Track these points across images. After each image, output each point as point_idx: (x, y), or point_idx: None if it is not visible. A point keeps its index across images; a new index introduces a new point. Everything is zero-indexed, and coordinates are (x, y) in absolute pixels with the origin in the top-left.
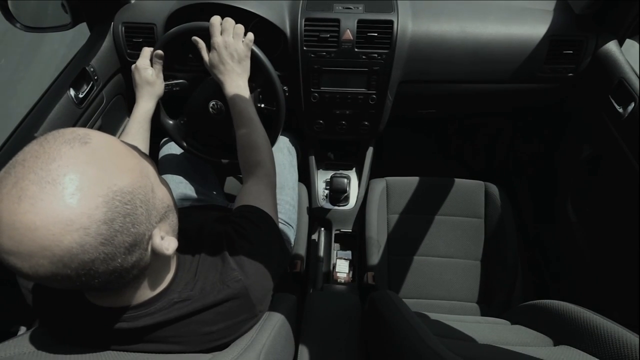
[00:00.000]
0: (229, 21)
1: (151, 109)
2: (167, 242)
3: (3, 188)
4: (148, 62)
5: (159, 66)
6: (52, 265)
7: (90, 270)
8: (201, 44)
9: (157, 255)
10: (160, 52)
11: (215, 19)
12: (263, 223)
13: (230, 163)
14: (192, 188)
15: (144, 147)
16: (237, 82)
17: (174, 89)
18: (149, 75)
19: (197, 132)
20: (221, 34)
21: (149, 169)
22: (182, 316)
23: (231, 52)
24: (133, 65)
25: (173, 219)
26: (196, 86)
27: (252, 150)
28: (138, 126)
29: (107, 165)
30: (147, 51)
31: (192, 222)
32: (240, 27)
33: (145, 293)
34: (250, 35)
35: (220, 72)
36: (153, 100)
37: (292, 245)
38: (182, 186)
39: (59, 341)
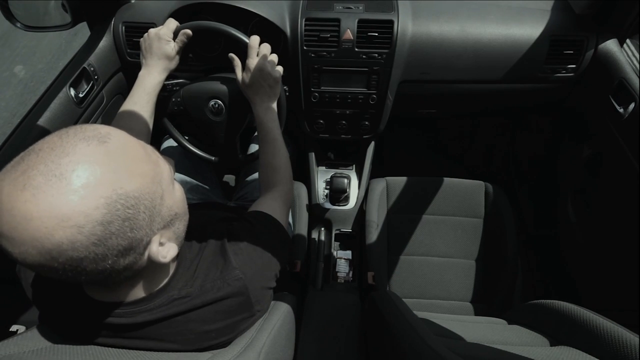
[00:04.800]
0: (267, 47)
1: (162, 82)
2: (165, 250)
3: (13, 173)
4: (171, 34)
5: (181, 44)
6: (40, 257)
7: (78, 267)
8: (237, 61)
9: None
10: (189, 32)
11: (254, 41)
12: (271, 227)
13: (221, 162)
14: (192, 186)
15: (151, 121)
16: (267, 104)
17: (174, 88)
18: (170, 48)
19: (185, 121)
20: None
21: (163, 176)
22: (181, 313)
23: (264, 75)
24: (153, 31)
25: (179, 226)
26: None
27: (273, 170)
28: (148, 98)
29: (119, 167)
30: (173, 23)
31: (194, 221)
32: (275, 57)
33: (143, 290)
34: (280, 68)
35: (252, 92)
36: (166, 74)
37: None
38: (182, 185)
39: (58, 335)
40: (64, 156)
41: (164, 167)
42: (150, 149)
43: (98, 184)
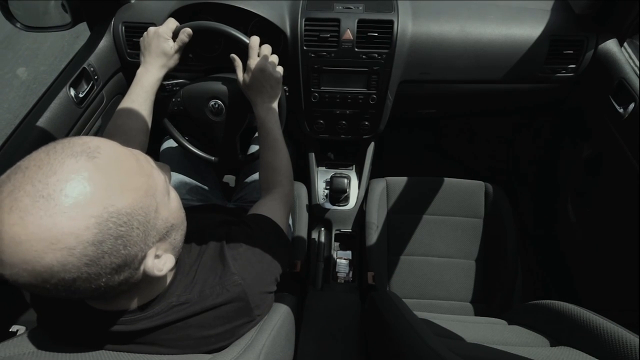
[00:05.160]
0: (268, 47)
1: (160, 79)
2: (162, 262)
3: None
4: (170, 33)
5: (181, 44)
6: (32, 278)
7: (71, 287)
8: (238, 61)
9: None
10: (190, 31)
11: (255, 41)
12: (271, 231)
13: (221, 162)
14: (191, 186)
15: (150, 118)
16: (268, 104)
17: (174, 88)
18: (169, 47)
19: (185, 121)
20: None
21: (157, 187)
22: (181, 319)
23: (266, 76)
24: (152, 29)
25: (176, 236)
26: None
27: (273, 171)
28: (146, 96)
29: (110, 183)
30: (172, 22)
31: (193, 225)
32: (276, 57)
33: (141, 299)
34: (281, 68)
35: (253, 93)
36: (164, 71)
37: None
38: (182, 185)
39: (57, 341)
40: (51, 175)
41: (158, 177)
42: (143, 158)
43: (88, 203)
